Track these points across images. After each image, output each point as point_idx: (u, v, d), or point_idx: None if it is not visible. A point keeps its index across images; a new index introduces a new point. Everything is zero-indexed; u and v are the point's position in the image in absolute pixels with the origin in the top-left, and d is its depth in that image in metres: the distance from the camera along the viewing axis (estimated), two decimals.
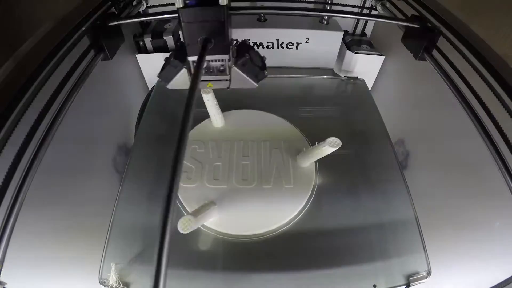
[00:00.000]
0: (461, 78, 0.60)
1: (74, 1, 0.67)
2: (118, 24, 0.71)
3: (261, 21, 1.11)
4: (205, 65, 0.54)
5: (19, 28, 0.52)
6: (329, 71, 1.17)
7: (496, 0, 0.57)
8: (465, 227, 0.66)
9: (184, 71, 0.55)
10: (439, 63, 0.66)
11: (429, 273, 0.57)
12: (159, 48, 1.10)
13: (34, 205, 0.53)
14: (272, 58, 1.12)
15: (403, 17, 0.81)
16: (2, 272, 0.39)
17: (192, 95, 0.36)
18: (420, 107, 0.91)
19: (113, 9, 0.78)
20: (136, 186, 0.67)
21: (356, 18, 1.16)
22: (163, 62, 0.59)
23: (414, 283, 0.56)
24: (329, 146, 0.56)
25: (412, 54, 0.73)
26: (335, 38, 1.09)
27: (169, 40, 1.10)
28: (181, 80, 0.56)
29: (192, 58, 0.51)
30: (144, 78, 1.19)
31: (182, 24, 0.45)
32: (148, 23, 1.14)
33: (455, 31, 0.63)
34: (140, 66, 1.14)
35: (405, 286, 0.56)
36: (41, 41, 0.55)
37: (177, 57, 0.54)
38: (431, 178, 0.82)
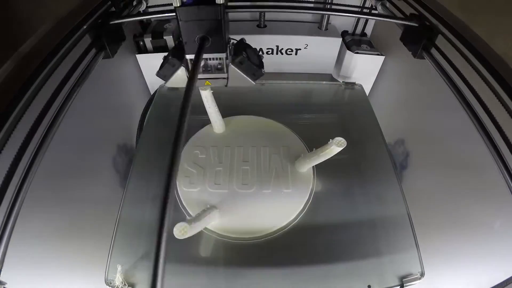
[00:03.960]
0: (460, 77, 0.61)
1: (74, 0, 0.66)
2: (119, 22, 0.72)
3: (260, 28, 1.12)
4: (202, 63, 0.55)
5: (19, 28, 0.52)
6: (328, 76, 1.19)
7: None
8: (464, 227, 0.67)
9: (182, 69, 0.56)
10: (438, 61, 0.66)
11: (422, 274, 0.59)
12: (159, 48, 1.10)
13: (36, 206, 0.54)
14: (271, 64, 1.14)
15: (402, 16, 0.81)
16: (2, 273, 0.40)
17: (189, 92, 0.37)
18: (420, 106, 0.92)
19: (113, 8, 0.78)
20: (141, 187, 0.69)
21: (355, 16, 1.15)
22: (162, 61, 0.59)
23: (407, 284, 0.58)
24: (336, 146, 0.57)
25: (411, 52, 0.74)
26: (333, 44, 1.10)
27: (169, 40, 1.10)
28: (179, 78, 0.57)
29: (189, 56, 0.52)
30: (144, 78, 1.19)
31: (180, 22, 0.47)
32: (148, 23, 1.14)
33: (453, 29, 0.64)
34: (140, 66, 1.14)
35: (399, 287, 0.58)
36: (42, 40, 0.55)
37: (175, 55, 0.55)
38: (431, 177, 0.83)
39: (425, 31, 0.69)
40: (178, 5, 0.44)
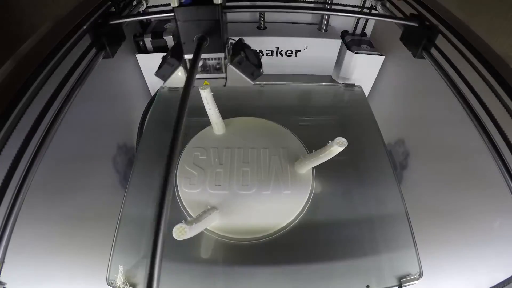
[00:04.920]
0: (460, 77, 0.61)
1: (74, 0, 0.66)
2: (119, 22, 0.72)
3: (260, 29, 1.13)
4: (201, 63, 0.56)
5: (19, 28, 0.52)
6: (327, 78, 1.19)
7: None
8: (464, 227, 0.68)
9: (180, 69, 0.56)
10: (438, 61, 0.66)
11: (420, 275, 0.59)
12: (159, 48, 1.11)
13: (36, 206, 0.55)
14: (271, 65, 1.15)
15: (402, 16, 0.81)
16: (3, 273, 0.39)
17: (187, 91, 0.38)
18: (420, 106, 0.92)
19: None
20: (142, 188, 0.69)
21: (355, 16, 1.14)
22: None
23: (405, 284, 0.58)
24: (338, 146, 0.58)
25: (411, 52, 0.75)
26: (333, 46, 1.11)
27: (169, 40, 1.10)
28: (178, 78, 0.57)
29: (188, 56, 0.53)
30: (144, 78, 1.19)
31: (178, 23, 0.47)
32: (148, 23, 1.14)
33: (453, 29, 0.64)
34: (140, 66, 1.14)
35: (397, 287, 0.59)
36: (42, 41, 0.55)
37: (174, 55, 0.56)
38: (430, 177, 0.83)
39: (425, 31, 0.69)
40: (176, 5, 0.45)
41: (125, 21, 0.75)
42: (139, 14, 0.92)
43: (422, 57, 0.71)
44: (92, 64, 0.65)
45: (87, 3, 0.70)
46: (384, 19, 0.81)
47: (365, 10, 1.13)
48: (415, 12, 0.76)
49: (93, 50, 0.68)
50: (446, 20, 0.67)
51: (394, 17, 0.81)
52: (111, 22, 0.70)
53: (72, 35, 0.61)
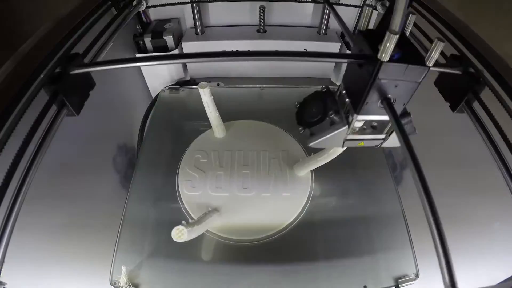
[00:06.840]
0: (503, 139, 0.50)
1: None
2: (82, 72, 0.53)
3: (260, 33, 1.12)
4: (362, 123, 0.44)
5: (19, 28, 0.51)
6: (327, 81, 1.19)
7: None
8: (463, 227, 0.68)
9: (345, 129, 0.44)
10: (479, 118, 0.54)
11: (417, 275, 0.60)
12: (159, 48, 1.10)
13: (36, 206, 0.55)
14: (271, 68, 1.14)
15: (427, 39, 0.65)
16: (2, 273, 0.39)
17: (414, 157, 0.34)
18: (420, 106, 0.92)
19: (76, 49, 0.58)
20: (144, 189, 0.70)
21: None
22: (297, 110, 0.50)
23: (402, 285, 0.60)
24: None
25: (449, 105, 0.60)
26: (332, 49, 1.11)
27: (169, 40, 1.10)
28: (335, 139, 0.46)
29: (363, 117, 0.42)
30: (144, 78, 1.19)
31: (375, 80, 0.36)
32: (148, 23, 1.14)
33: (498, 75, 0.51)
34: (140, 66, 1.14)
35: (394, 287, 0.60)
36: (42, 40, 0.53)
37: (335, 112, 0.44)
38: (430, 177, 0.84)
39: (470, 82, 0.54)
40: (387, 60, 0.34)
41: (89, 71, 0.55)
42: (106, 62, 0.57)
43: (462, 112, 0.57)
44: (54, 125, 0.50)
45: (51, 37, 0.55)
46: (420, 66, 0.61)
47: (367, 11, 1.13)
48: (422, 21, 0.69)
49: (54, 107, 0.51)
50: (493, 65, 0.53)
51: (438, 64, 0.61)
52: (71, 72, 0.52)
53: (27, 87, 0.47)
